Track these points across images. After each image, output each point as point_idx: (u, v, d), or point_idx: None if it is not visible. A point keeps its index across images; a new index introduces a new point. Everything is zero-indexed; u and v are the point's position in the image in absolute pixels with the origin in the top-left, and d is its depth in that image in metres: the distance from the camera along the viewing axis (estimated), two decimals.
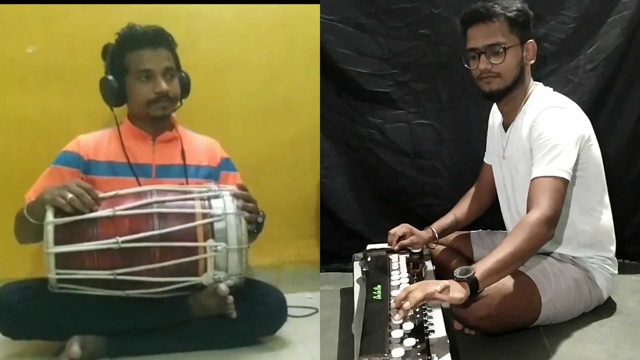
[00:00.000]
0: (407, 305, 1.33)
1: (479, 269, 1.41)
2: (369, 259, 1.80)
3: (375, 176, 2.22)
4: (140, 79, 1.71)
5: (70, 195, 1.50)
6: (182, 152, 1.79)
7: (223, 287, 1.56)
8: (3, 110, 2.03)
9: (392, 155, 2.19)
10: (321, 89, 2.12)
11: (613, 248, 1.73)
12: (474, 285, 1.40)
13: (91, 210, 1.53)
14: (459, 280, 1.39)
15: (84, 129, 1.82)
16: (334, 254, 2.19)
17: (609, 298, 1.75)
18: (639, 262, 2.13)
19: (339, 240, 2.20)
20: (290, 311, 1.74)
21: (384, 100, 2.14)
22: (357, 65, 2.10)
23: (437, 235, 1.89)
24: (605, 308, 1.72)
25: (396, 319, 1.34)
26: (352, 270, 1.86)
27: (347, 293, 1.91)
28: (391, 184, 2.21)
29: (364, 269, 1.72)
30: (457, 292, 1.38)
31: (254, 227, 1.66)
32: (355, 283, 1.76)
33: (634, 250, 2.12)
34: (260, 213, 1.69)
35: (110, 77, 1.73)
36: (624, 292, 1.85)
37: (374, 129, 2.17)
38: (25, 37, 2.02)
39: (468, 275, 1.39)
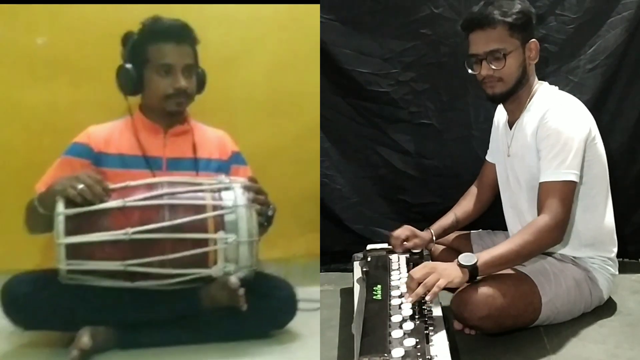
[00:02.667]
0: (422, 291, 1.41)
1: (482, 258, 1.48)
2: (369, 259, 1.80)
3: (376, 176, 2.22)
4: (159, 72, 1.71)
5: (80, 186, 1.51)
6: (194, 145, 1.79)
7: (233, 279, 1.56)
8: (11, 102, 2.04)
9: (393, 154, 2.19)
10: (321, 88, 2.12)
11: (614, 248, 1.73)
12: (474, 272, 1.47)
13: (102, 201, 1.53)
14: (460, 266, 1.46)
15: (91, 121, 1.81)
16: (334, 254, 2.19)
17: (609, 298, 1.75)
18: (639, 260, 2.13)
19: (339, 240, 2.20)
20: (299, 304, 1.74)
21: (384, 100, 2.13)
22: (357, 64, 2.10)
23: (434, 238, 1.90)
24: (605, 308, 1.72)
25: (409, 301, 1.42)
26: (352, 270, 1.86)
27: (347, 293, 1.91)
28: (392, 184, 2.21)
29: (364, 269, 1.72)
30: (456, 276, 1.45)
31: (264, 219, 1.66)
32: (355, 283, 1.76)
33: (634, 249, 2.12)
34: (271, 206, 1.70)
35: (129, 66, 1.71)
36: (624, 292, 1.85)
37: (375, 128, 2.17)
38: (34, 29, 2.02)
39: (471, 264, 1.46)
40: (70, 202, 1.51)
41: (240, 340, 1.64)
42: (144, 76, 1.72)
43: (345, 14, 2.08)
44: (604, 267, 1.69)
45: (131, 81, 1.72)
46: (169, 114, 1.76)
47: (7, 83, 2.03)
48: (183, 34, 1.73)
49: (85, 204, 1.51)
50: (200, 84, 1.80)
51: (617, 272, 1.73)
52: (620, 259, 1.80)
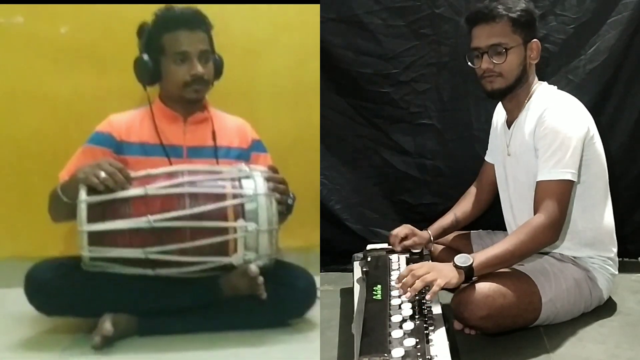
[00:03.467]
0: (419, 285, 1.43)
1: (477, 259, 1.49)
2: (369, 259, 1.80)
3: (376, 176, 2.22)
4: (176, 60, 1.73)
5: (103, 174, 1.53)
6: (213, 133, 1.81)
7: (253, 267, 1.58)
8: (36, 90, 2.06)
9: (393, 154, 2.19)
10: (322, 88, 2.12)
11: (614, 248, 1.73)
12: (469, 273, 1.48)
13: (123, 189, 1.55)
14: (457, 267, 1.47)
15: (115, 108, 1.83)
16: (334, 254, 2.19)
17: (609, 298, 1.75)
18: (639, 260, 2.13)
19: (339, 240, 2.20)
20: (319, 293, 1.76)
21: (385, 100, 2.13)
22: (357, 65, 2.10)
23: (432, 238, 1.90)
24: (605, 308, 1.72)
25: (407, 295, 1.43)
26: (352, 270, 1.86)
27: (347, 293, 1.91)
28: (393, 184, 2.21)
29: (364, 269, 1.72)
30: (453, 277, 1.46)
31: (284, 208, 1.68)
32: (355, 283, 1.76)
33: (634, 249, 2.12)
34: (291, 195, 1.71)
35: (145, 57, 1.74)
36: (624, 292, 1.85)
37: (376, 129, 2.17)
38: (59, 17, 2.04)
39: (466, 265, 1.47)
40: (92, 190, 1.54)
41: (260, 328, 1.66)
42: (160, 65, 1.75)
43: (346, 14, 2.08)
44: (604, 266, 1.69)
45: (148, 71, 1.74)
46: (188, 101, 1.78)
47: (33, 72, 2.05)
48: (196, 21, 1.75)
49: (107, 192, 1.54)
50: (218, 71, 1.82)
51: (617, 272, 1.73)
52: (620, 259, 1.80)
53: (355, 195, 2.22)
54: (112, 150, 1.74)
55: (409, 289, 1.43)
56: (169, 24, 1.73)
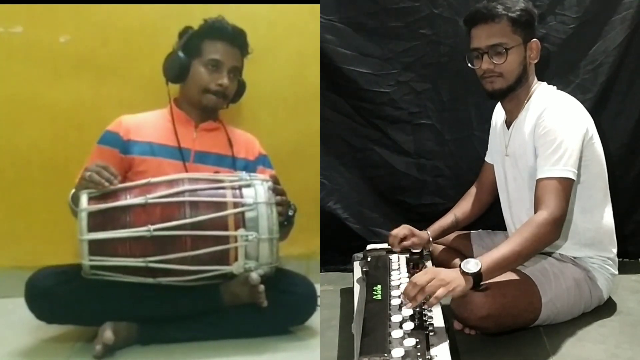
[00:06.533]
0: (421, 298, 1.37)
1: (485, 263, 1.43)
2: (369, 259, 1.80)
3: (376, 176, 2.22)
4: (207, 66, 1.79)
5: (88, 174, 1.55)
6: (223, 142, 1.85)
7: (254, 276, 1.58)
8: (36, 99, 2.06)
9: (393, 155, 2.19)
10: (321, 88, 2.12)
11: (614, 248, 1.73)
12: (477, 279, 1.42)
13: (111, 184, 1.57)
14: (464, 274, 1.41)
15: (115, 117, 1.84)
16: (334, 254, 2.19)
17: (609, 298, 1.75)
18: (639, 260, 2.13)
19: (339, 241, 2.20)
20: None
21: (384, 100, 2.13)
22: (357, 65, 2.10)
23: (431, 239, 1.90)
24: (605, 308, 1.72)
25: (408, 307, 1.39)
26: (352, 270, 1.86)
27: (347, 293, 1.91)
28: (393, 184, 2.21)
29: (364, 269, 1.72)
30: (459, 285, 1.39)
31: (285, 218, 1.69)
32: (355, 283, 1.76)
33: (634, 249, 2.12)
34: (292, 206, 1.72)
35: (181, 54, 1.78)
36: (624, 292, 1.85)
37: (375, 129, 2.17)
38: (58, 26, 2.05)
39: (474, 271, 1.41)
40: (93, 199, 1.55)
41: (261, 336, 1.67)
42: (191, 67, 1.79)
43: (345, 15, 2.08)
44: (604, 267, 1.69)
45: (178, 68, 1.79)
46: (204, 108, 1.82)
47: (33, 81, 2.06)
48: (239, 39, 1.83)
49: (93, 187, 1.55)
50: (239, 93, 1.88)
51: (617, 272, 1.73)
52: (620, 259, 1.81)
53: (355, 195, 2.22)
54: (118, 150, 1.76)
55: (410, 301, 1.39)
56: (215, 32, 1.80)
